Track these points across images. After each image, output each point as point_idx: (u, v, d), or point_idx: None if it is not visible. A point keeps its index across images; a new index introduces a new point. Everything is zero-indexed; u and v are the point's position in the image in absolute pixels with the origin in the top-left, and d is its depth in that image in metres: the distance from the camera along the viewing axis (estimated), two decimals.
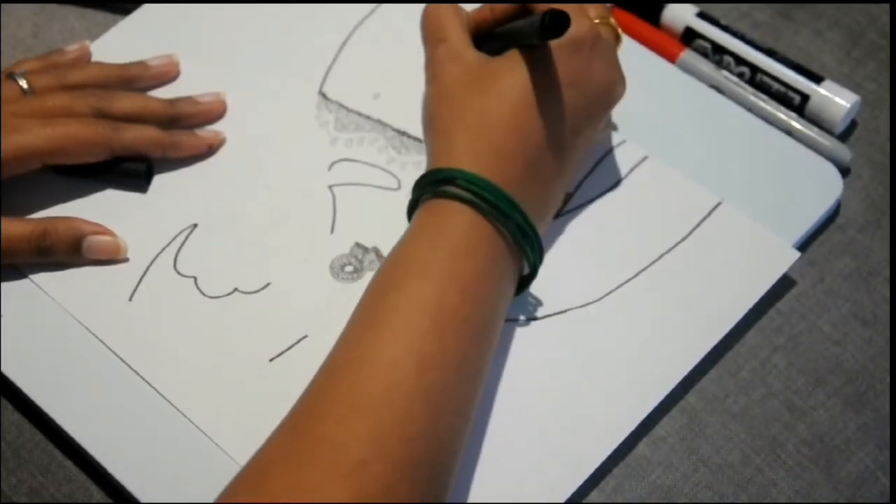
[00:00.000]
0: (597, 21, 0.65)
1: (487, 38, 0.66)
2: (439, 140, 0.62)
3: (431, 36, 0.65)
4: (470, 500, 0.59)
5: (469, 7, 0.67)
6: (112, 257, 0.66)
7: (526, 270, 0.62)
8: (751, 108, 0.72)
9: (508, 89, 0.61)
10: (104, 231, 0.66)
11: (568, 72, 0.62)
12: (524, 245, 0.60)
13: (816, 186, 0.69)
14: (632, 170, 0.69)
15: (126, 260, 0.67)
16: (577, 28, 0.61)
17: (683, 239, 0.67)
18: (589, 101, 0.63)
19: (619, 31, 0.66)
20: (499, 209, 0.59)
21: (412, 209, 0.62)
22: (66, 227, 0.66)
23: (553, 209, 0.64)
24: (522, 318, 0.64)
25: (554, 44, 0.61)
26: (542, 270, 0.62)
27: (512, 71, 0.61)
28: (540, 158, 0.61)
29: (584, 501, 0.61)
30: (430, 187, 0.60)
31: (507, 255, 0.60)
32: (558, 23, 0.58)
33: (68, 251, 0.65)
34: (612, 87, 0.64)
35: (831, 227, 0.69)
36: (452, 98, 0.62)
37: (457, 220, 0.59)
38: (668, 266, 0.66)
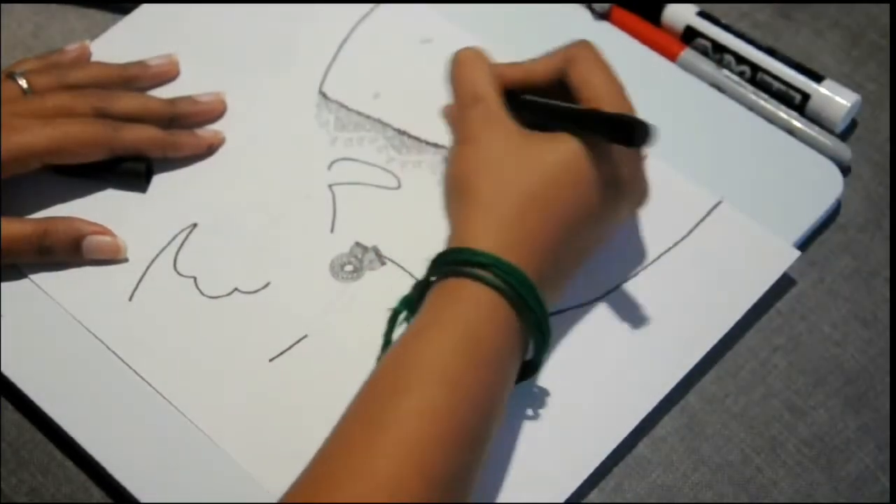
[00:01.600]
0: None
1: (516, 100, 0.63)
2: (475, 211, 0.59)
3: (466, 91, 0.62)
4: (470, 500, 0.59)
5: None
6: (112, 257, 0.66)
7: (530, 355, 0.59)
8: (751, 107, 0.72)
9: (559, 181, 0.59)
10: (104, 231, 0.66)
11: (616, 171, 0.60)
12: (540, 343, 0.58)
13: (817, 185, 0.69)
14: None
15: (126, 260, 0.67)
16: None
17: (683, 238, 0.67)
18: (622, 205, 0.62)
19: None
20: (527, 305, 0.56)
21: (425, 284, 0.58)
22: (66, 227, 0.66)
23: (557, 301, 0.62)
24: None
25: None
26: None
27: (568, 161, 0.59)
28: (568, 255, 0.60)
29: (584, 501, 0.61)
30: (459, 267, 0.57)
31: (518, 352, 0.58)
32: (644, 134, 0.56)
33: (68, 251, 0.65)
34: (643, 196, 0.64)
35: (831, 227, 0.69)
36: (494, 168, 0.59)
37: (482, 309, 0.56)
38: (667, 265, 0.66)
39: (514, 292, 0.56)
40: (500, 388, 0.56)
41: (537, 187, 0.59)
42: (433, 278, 0.58)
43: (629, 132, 0.56)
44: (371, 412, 0.54)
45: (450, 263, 0.57)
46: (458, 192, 0.60)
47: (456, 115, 0.63)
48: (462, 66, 0.64)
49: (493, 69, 0.63)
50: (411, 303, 0.59)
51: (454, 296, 0.57)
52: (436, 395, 0.53)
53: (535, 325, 0.57)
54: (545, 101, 0.63)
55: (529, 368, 0.59)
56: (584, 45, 0.63)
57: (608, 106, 0.60)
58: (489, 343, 0.56)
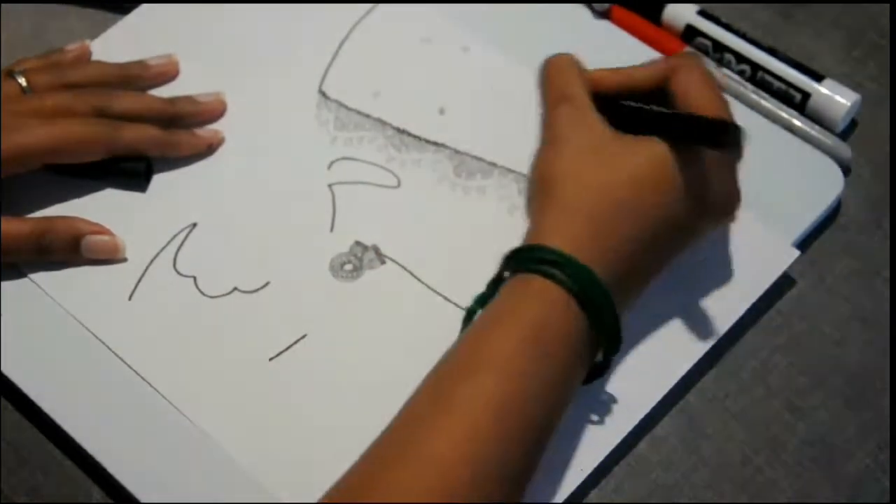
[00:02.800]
0: None
1: (608, 103, 0.62)
2: (552, 209, 0.58)
3: (555, 91, 0.62)
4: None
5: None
6: (111, 257, 0.66)
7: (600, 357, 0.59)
8: (752, 106, 0.72)
9: (644, 183, 0.58)
10: (103, 231, 0.66)
11: (706, 176, 0.59)
12: (609, 345, 0.57)
13: (818, 183, 0.69)
14: None
15: (125, 259, 0.67)
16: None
17: None
18: (709, 211, 0.61)
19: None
20: (595, 305, 0.56)
21: (498, 280, 0.58)
22: (65, 227, 0.66)
23: (632, 305, 0.61)
24: None
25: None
26: None
27: (654, 163, 0.58)
28: (645, 260, 0.59)
29: (584, 501, 0.61)
30: (530, 264, 0.56)
31: (586, 352, 0.57)
32: (733, 136, 0.56)
33: (67, 250, 0.65)
34: (733, 204, 0.62)
35: (831, 227, 0.69)
36: (577, 167, 0.59)
37: (550, 306, 0.55)
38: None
39: (583, 292, 0.56)
40: (564, 386, 0.56)
41: (618, 189, 0.58)
42: (506, 274, 0.58)
43: (716, 132, 0.55)
44: (431, 396, 0.54)
45: (522, 260, 0.57)
46: (540, 191, 0.60)
47: (543, 116, 0.62)
48: (552, 67, 0.63)
49: (584, 73, 0.63)
50: (485, 300, 0.59)
51: (524, 291, 0.57)
52: (495, 385, 0.53)
53: (604, 326, 0.57)
54: (637, 104, 0.62)
55: (598, 369, 0.59)
56: (690, 57, 0.63)
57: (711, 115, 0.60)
58: (555, 339, 0.55)
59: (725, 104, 0.61)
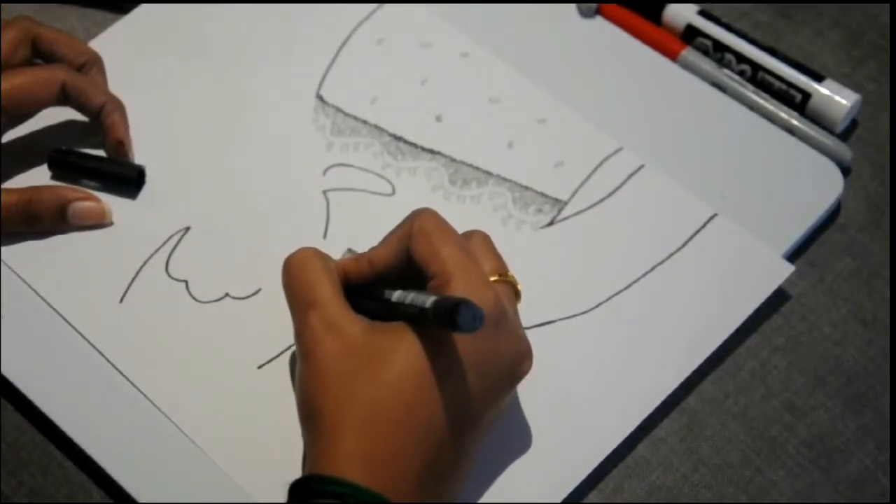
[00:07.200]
0: (494, 279, 0.57)
1: (364, 293, 0.58)
2: (323, 438, 0.53)
3: (299, 298, 0.56)
4: (468, 500, 0.59)
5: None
6: (98, 222, 0.67)
7: None
8: (752, 107, 0.72)
9: (402, 377, 0.53)
10: (89, 197, 0.67)
11: (470, 352, 0.54)
12: None
13: (817, 184, 0.69)
14: (628, 178, 0.69)
15: (111, 223, 0.67)
16: (479, 303, 0.52)
17: (677, 250, 0.66)
18: (493, 383, 0.55)
19: (519, 286, 0.58)
20: None
21: None
22: (50, 195, 0.66)
23: (454, 500, 0.57)
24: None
25: None
26: (538, 279, 0.62)
27: (405, 354, 0.53)
28: (439, 456, 0.54)
29: (583, 502, 0.61)
30: (314, 499, 0.51)
31: None
32: (471, 319, 0.50)
33: (54, 218, 0.66)
34: (518, 363, 0.57)
35: (831, 227, 0.69)
36: (334, 385, 0.54)
37: None
38: (661, 277, 0.66)
39: None
40: None
41: (386, 405, 0.53)
42: None
43: (451, 318, 0.50)
44: None
45: (305, 495, 0.52)
46: (304, 414, 0.56)
47: (294, 327, 0.57)
48: (292, 269, 0.58)
49: (331, 268, 0.58)
50: None
51: None
52: None
53: None
54: (376, 296, 0.57)
55: None
56: (421, 217, 0.57)
57: (458, 277, 0.55)
58: None
59: (471, 259, 0.56)
